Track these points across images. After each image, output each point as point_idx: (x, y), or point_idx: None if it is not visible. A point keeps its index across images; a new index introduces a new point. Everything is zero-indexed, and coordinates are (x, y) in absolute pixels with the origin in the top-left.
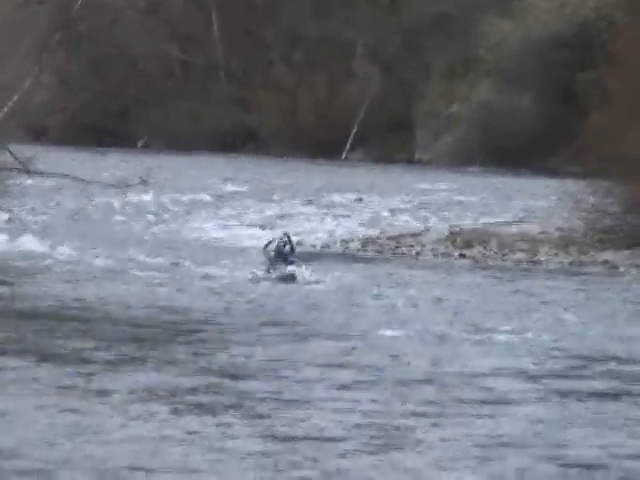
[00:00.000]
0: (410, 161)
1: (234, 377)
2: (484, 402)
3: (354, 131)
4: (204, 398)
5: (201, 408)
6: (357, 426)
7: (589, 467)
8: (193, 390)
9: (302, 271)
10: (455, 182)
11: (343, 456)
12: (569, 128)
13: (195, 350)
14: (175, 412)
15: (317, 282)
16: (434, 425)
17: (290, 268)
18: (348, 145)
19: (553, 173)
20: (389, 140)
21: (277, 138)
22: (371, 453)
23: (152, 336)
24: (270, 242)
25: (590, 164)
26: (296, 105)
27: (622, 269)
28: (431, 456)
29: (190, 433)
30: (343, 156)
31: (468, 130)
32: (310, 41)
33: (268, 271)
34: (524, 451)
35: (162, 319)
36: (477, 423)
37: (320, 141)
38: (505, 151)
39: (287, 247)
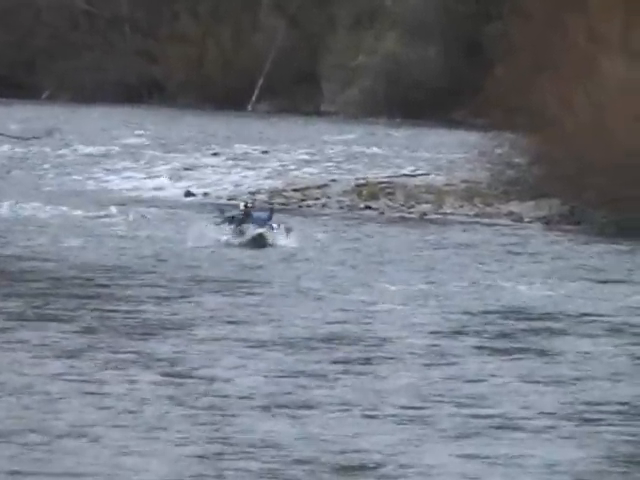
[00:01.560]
0: (316, 113)
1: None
2: (390, 359)
3: (260, 83)
4: (107, 355)
5: (102, 364)
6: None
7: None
8: (95, 348)
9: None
10: (361, 134)
11: (249, 415)
12: (475, 80)
13: (102, 306)
14: (71, 367)
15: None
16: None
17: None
18: (254, 97)
19: (459, 125)
20: (295, 92)
21: (183, 89)
22: (275, 415)
23: (62, 292)
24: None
25: (495, 116)
26: (202, 57)
27: (527, 220)
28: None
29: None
30: (249, 107)
31: (374, 82)
32: None
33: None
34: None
35: (73, 274)
36: (389, 379)
37: (226, 92)
38: (411, 103)
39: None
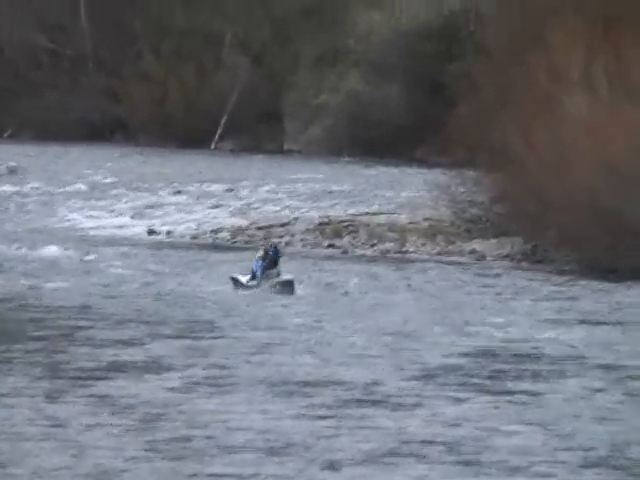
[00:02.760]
0: (279, 151)
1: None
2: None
3: (223, 121)
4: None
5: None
6: None
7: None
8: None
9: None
10: (324, 172)
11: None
12: (437, 119)
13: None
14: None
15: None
16: None
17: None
18: (217, 135)
19: (421, 163)
20: (258, 130)
21: (146, 128)
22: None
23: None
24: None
25: (458, 154)
26: (165, 95)
27: (489, 258)
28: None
29: None
30: (212, 146)
31: (337, 120)
32: (179, 31)
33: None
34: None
35: (33, 316)
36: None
37: (189, 131)
38: (374, 141)
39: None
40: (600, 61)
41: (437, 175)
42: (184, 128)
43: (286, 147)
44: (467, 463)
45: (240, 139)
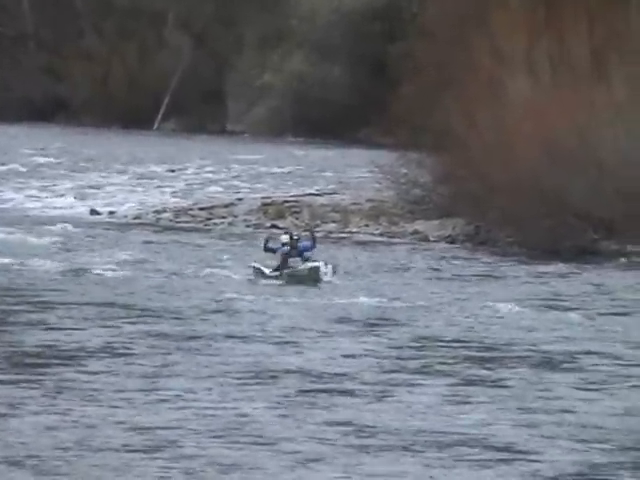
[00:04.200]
0: (222, 132)
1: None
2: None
3: (166, 101)
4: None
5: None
6: None
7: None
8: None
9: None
10: (267, 153)
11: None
12: (380, 100)
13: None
14: None
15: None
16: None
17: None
18: (160, 115)
19: (365, 144)
20: (201, 110)
21: (88, 108)
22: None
23: None
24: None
25: (401, 136)
26: (107, 75)
27: (432, 239)
28: None
29: None
30: (155, 126)
31: (280, 101)
32: (121, 10)
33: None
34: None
35: None
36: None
37: (132, 111)
38: (317, 122)
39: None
40: (542, 44)
41: (380, 156)
42: (127, 108)
43: (229, 128)
44: (419, 450)
45: (183, 119)
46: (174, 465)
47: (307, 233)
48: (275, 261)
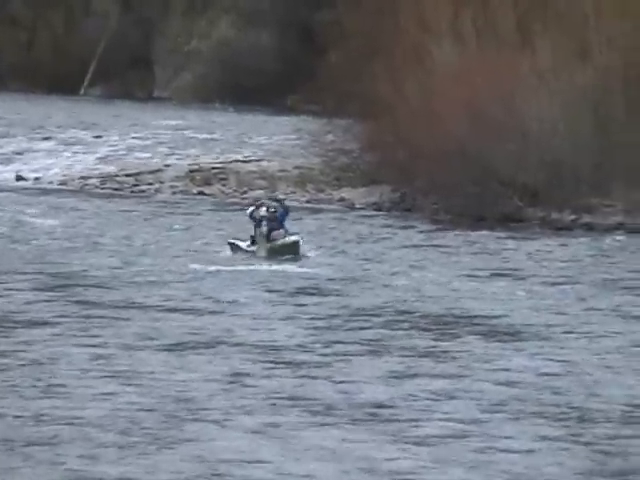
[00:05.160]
0: (149, 98)
1: None
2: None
3: (92, 67)
4: None
5: None
6: None
7: None
8: None
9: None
10: (194, 119)
11: None
12: (308, 67)
13: None
14: None
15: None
16: None
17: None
18: (87, 81)
19: (292, 111)
20: (128, 76)
21: (14, 73)
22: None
23: None
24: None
25: (328, 103)
26: (33, 40)
27: (358, 206)
28: None
29: None
30: (82, 92)
31: (207, 67)
32: None
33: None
34: None
35: None
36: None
37: (58, 76)
38: (245, 89)
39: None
40: (468, 11)
41: (308, 123)
42: (53, 73)
43: (156, 94)
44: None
45: (110, 85)
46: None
47: (275, 203)
48: (249, 234)
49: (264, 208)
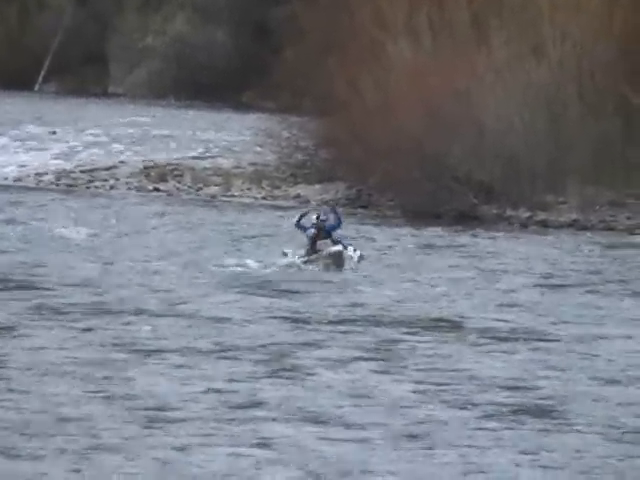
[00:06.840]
0: (104, 94)
1: None
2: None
3: (47, 63)
4: None
5: None
6: None
7: None
8: None
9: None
10: (149, 116)
11: None
12: (263, 63)
13: None
14: None
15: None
16: None
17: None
18: (41, 77)
19: (247, 108)
20: (83, 72)
21: None
22: None
23: None
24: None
25: (283, 99)
26: None
27: (313, 203)
28: None
29: None
30: (36, 87)
31: (162, 63)
32: None
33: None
34: None
35: None
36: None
37: (12, 72)
38: (200, 85)
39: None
40: (423, 8)
41: (263, 120)
42: (7, 69)
43: (111, 90)
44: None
45: (64, 81)
46: None
47: (329, 209)
48: (304, 246)
49: (314, 216)
